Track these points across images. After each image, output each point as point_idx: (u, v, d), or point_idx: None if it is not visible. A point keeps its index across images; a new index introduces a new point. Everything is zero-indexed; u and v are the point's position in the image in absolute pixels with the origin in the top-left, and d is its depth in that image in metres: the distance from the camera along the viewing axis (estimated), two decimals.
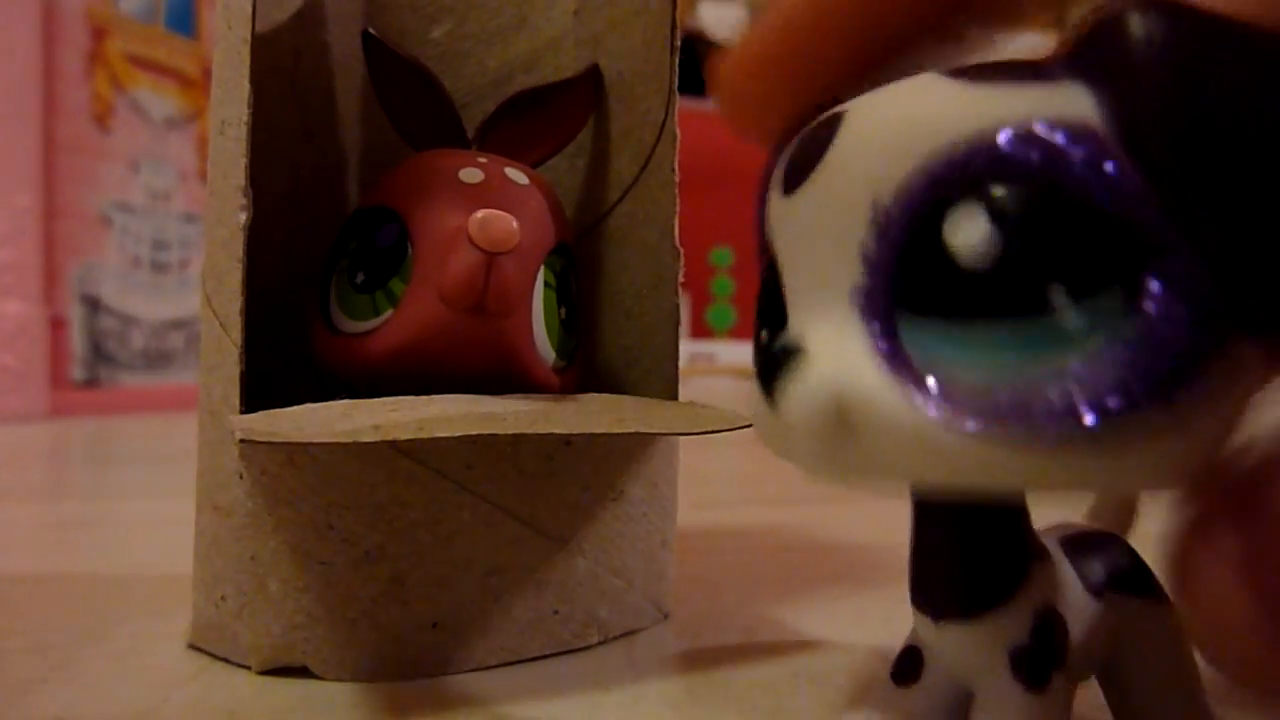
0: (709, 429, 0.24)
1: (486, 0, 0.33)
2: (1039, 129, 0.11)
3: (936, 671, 0.16)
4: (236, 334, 0.22)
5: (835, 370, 0.12)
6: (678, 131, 0.28)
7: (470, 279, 0.22)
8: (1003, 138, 0.11)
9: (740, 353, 1.93)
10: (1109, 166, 0.10)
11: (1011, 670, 0.14)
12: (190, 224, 1.42)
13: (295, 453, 0.22)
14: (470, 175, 0.25)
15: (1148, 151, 0.10)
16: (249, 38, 0.22)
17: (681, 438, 0.28)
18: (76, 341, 1.27)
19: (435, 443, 0.23)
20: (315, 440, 0.19)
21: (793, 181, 0.13)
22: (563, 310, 0.27)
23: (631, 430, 0.22)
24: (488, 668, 0.24)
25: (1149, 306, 0.10)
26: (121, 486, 0.61)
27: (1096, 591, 0.15)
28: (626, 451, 0.26)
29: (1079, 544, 0.16)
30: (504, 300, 0.23)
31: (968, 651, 0.14)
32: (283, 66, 0.29)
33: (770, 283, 0.14)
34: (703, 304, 2.04)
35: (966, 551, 0.14)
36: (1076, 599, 0.15)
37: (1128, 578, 0.16)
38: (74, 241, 1.26)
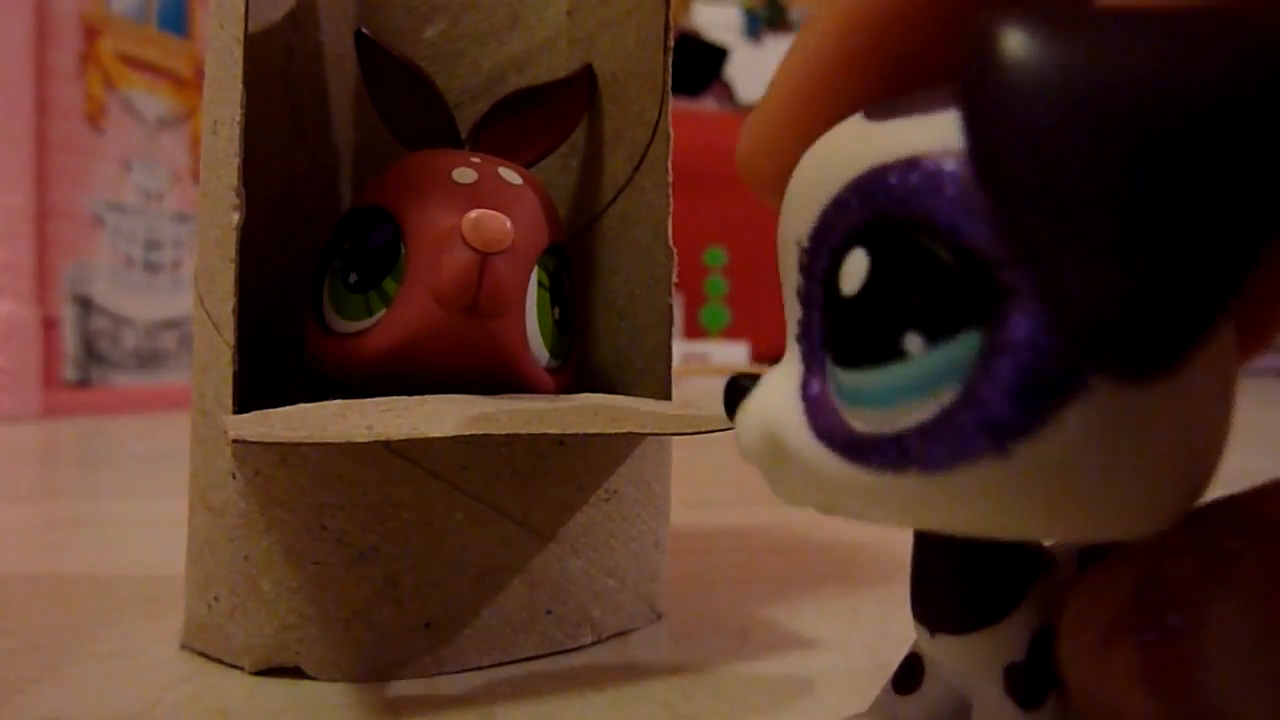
0: (702, 429, 0.24)
1: (480, 0, 0.33)
2: (899, 166, 0.11)
3: (936, 681, 0.15)
4: (229, 334, 0.22)
5: (767, 407, 0.12)
6: (671, 132, 0.28)
7: (464, 279, 0.22)
8: (873, 176, 0.11)
9: (733, 353, 1.93)
10: (965, 200, 0.10)
11: (1005, 688, 0.13)
12: (183, 224, 1.42)
13: (288, 453, 0.22)
14: (463, 175, 0.25)
15: (997, 177, 0.10)
16: (242, 37, 0.22)
17: (674, 438, 0.28)
18: (69, 341, 1.26)
19: (428, 443, 0.23)
20: (309, 441, 0.19)
21: (778, 224, 0.14)
22: (556, 310, 0.27)
23: (625, 430, 0.22)
24: (481, 668, 0.24)
25: (996, 353, 0.10)
26: (114, 486, 0.61)
27: None
28: (620, 451, 0.26)
29: (1095, 556, 0.16)
30: (497, 300, 0.23)
31: (962, 665, 0.14)
32: (276, 66, 0.29)
33: None
34: (696, 304, 2.04)
35: (964, 565, 0.14)
36: None
37: None
38: (66, 241, 1.25)
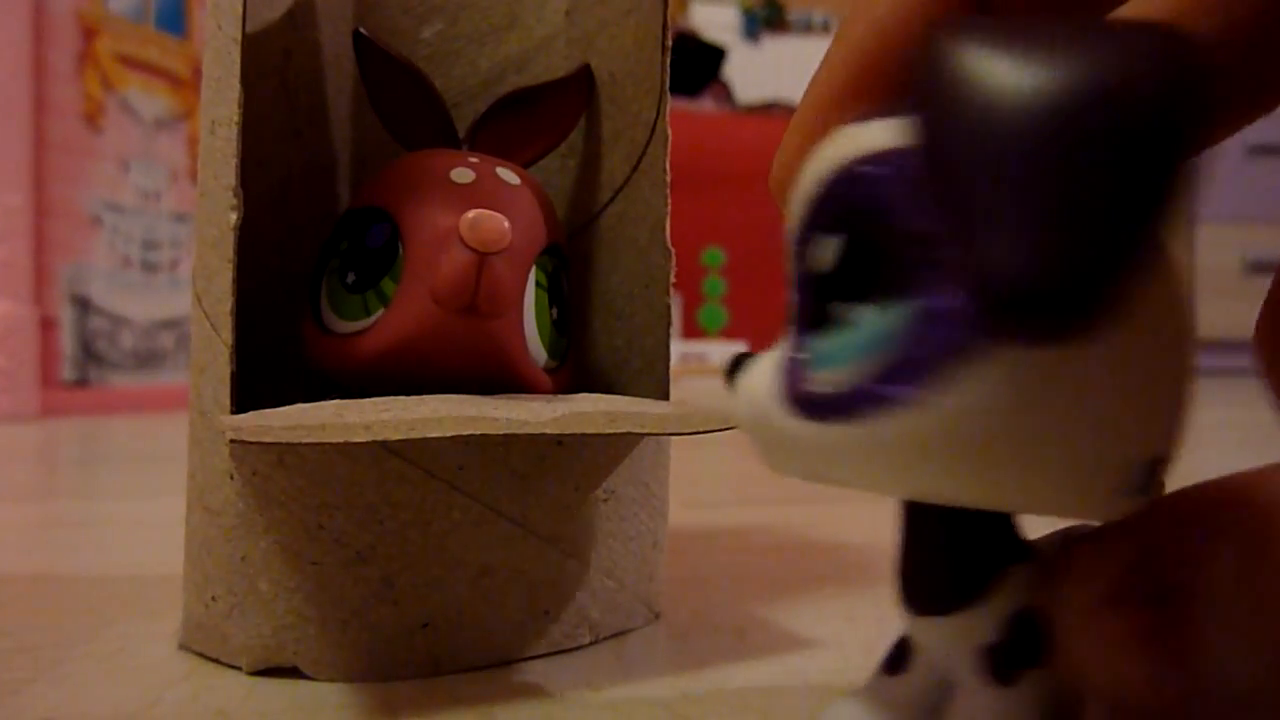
0: (700, 429, 0.24)
1: (478, 0, 0.33)
2: (862, 162, 0.12)
3: (922, 663, 0.16)
4: (227, 334, 0.22)
5: (754, 379, 0.14)
6: (669, 132, 0.28)
7: (462, 279, 0.22)
8: (845, 171, 0.13)
9: (731, 353, 1.93)
10: (908, 190, 0.11)
11: (981, 666, 0.14)
12: (180, 224, 1.41)
13: (286, 453, 0.22)
14: (461, 175, 0.25)
15: (935, 169, 0.11)
16: (240, 37, 0.22)
17: (672, 438, 0.28)
18: (66, 341, 1.26)
19: (426, 443, 0.23)
20: (306, 441, 0.19)
21: None
22: (554, 310, 0.27)
23: (623, 430, 0.22)
24: (479, 668, 0.24)
25: (916, 321, 0.11)
26: (111, 487, 0.61)
27: None
28: (618, 452, 0.26)
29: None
30: (495, 301, 0.23)
31: (943, 644, 0.15)
32: (273, 66, 0.29)
33: None
34: (694, 304, 2.04)
35: (942, 549, 0.15)
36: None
37: None
38: (64, 241, 1.25)
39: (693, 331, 2.02)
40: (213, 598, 0.24)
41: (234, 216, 0.22)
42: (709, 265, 2.02)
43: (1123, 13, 0.13)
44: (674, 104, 0.28)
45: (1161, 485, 0.12)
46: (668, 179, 0.28)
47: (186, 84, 1.42)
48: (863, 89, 0.14)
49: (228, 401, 0.22)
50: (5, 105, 1.16)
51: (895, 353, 0.11)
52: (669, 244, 0.28)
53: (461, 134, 0.28)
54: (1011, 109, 0.10)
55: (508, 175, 0.26)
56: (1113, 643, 0.12)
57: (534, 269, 0.26)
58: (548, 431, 0.21)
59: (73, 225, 1.26)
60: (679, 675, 0.23)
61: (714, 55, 2.47)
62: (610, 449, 0.26)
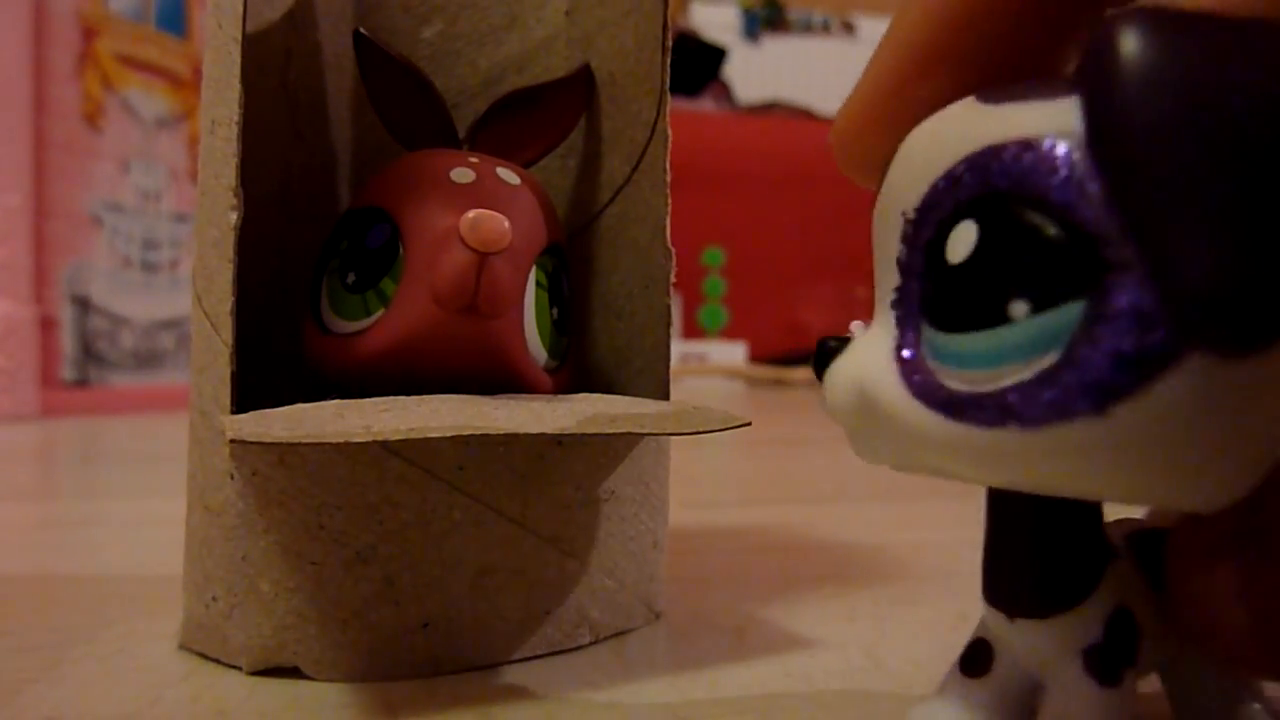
0: (701, 429, 0.24)
1: (478, 0, 0.33)
2: (1014, 146, 0.11)
3: (1007, 664, 0.16)
4: (227, 334, 0.22)
5: (860, 367, 0.13)
6: (670, 132, 0.28)
7: (462, 279, 0.22)
8: (987, 155, 0.12)
9: (732, 353, 1.93)
10: (1078, 180, 0.11)
11: (1085, 667, 0.14)
12: (181, 224, 1.41)
13: (286, 453, 0.22)
14: (461, 175, 0.25)
15: (1112, 160, 0.10)
16: (240, 37, 0.22)
17: (672, 438, 0.28)
18: (66, 341, 1.26)
19: (426, 443, 0.23)
20: (307, 441, 0.19)
21: (875, 198, 0.14)
22: (554, 311, 0.27)
23: (623, 430, 0.23)
24: (479, 668, 0.24)
25: (1099, 322, 0.10)
26: (111, 486, 0.61)
27: (1162, 590, 0.15)
28: (618, 451, 0.26)
29: (1145, 541, 0.16)
30: (495, 301, 0.23)
31: (1041, 647, 0.15)
32: (274, 66, 0.29)
33: None
34: (695, 304, 2.04)
35: (1043, 551, 0.14)
36: (1145, 597, 0.15)
37: None
38: (64, 241, 1.25)
39: (693, 331, 2.03)
40: (213, 598, 0.24)
41: (234, 216, 0.22)
42: (709, 265, 2.03)
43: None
44: (674, 104, 0.28)
45: None
46: (668, 179, 0.28)
47: (187, 84, 1.42)
48: (951, 50, 0.13)
49: (228, 401, 0.22)
50: (5, 105, 1.16)
51: (1068, 358, 0.11)
52: (669, 244, 0.28)
53: (462, 134, 0.28)
54: (1212, 102, 0.09)
55: (508, 175, 0.26)
56: (1217, 590, 0.12)
57: (534, 269, 0.26)
58: (548, 431, 0.21)
59: (73, 225, 1.26)
60: (679, 675, 0.23)
61: (714, 55, 2.47)
62: (610, 449, 0.26)
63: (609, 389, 0.30)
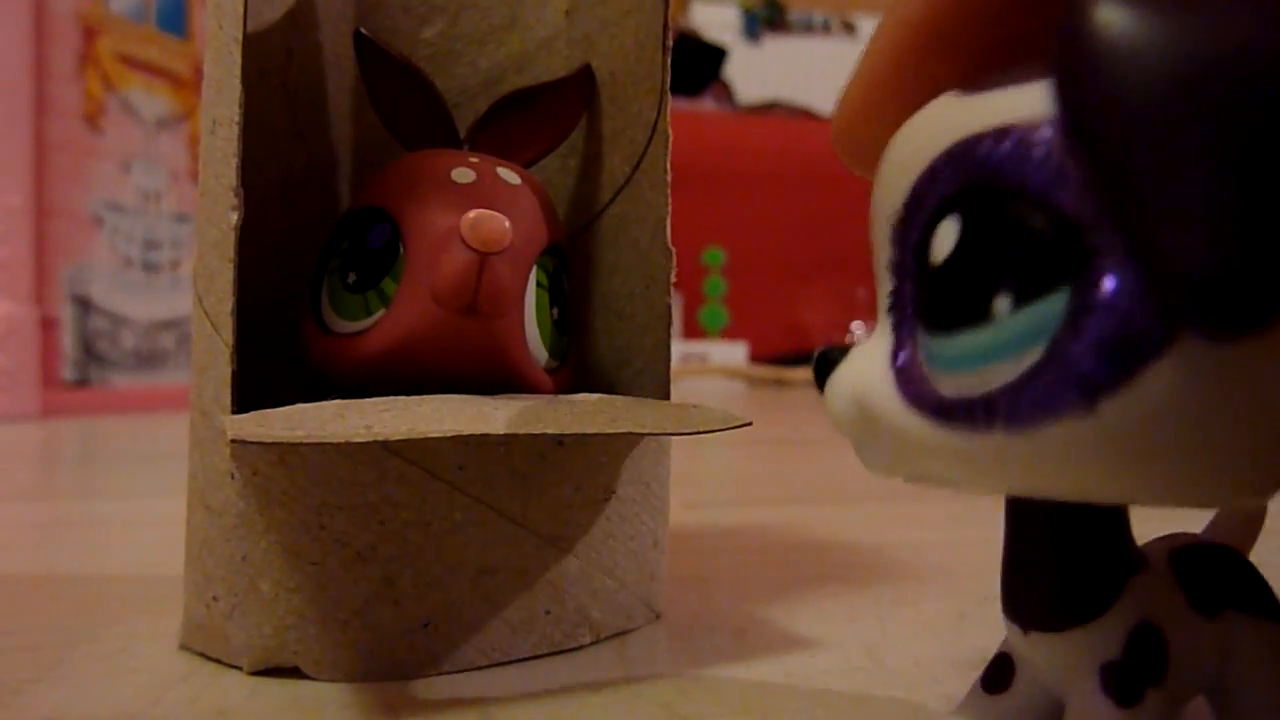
0: (701, 429, 0.24)
1: (478, 0, 0.33)
2: (990, 136, 0.11)
3: (1027, 680, 0.15)
4: (228, 334, 0.22)
5: (858, 377, 0.13)
6: (670, 132, 0.28)
7: (462, 279, 0.22)
8: (964, 147, 0.11)
9: (732, 353, 1.93)
10: (1055, 165, 0.10)
11: (1102, 686, 0.13)
12: (182, 224, 1.41)
13: (287, 453, 0.22)
14: (462, 175, 0.25)
15: (1087, 141, 0.10)
16: (240, 37, 0.22)
17: (673, 438, 0.28)
18: (67, 341, 1.26)
19: (427, 443, 0.23)
20: (307, 441, 0.19)
21: (871, 198, 0.14)
22: (555, 310, 0.27)
23: (624, 430, 0.23)
24: (479, 668, 0.24)
25: (1083, 312, 0.10)
26: (112, 486, 0.61)
27: (1205, 608, 0.15)
28: (618, 451, 0.26)
29: (1189, 558, 0.15)
30: (496, 301, 0.23)
31: (1057, 663, 0.14)
32: (274, 66, 0.29)
33: None
34: (695, 304, 2.04)
35: (1059, 563, 0.14)
36: (1181, 615, 0.15)
37: (1242, 595, 0.15)
38: (65, 241, 1.25)
39: (693, 331, 2.02)
40: (213, 598, 0.24)
41: (234, 216, 0.22)
42: (709, 265, 2.02)
43: None
44: (675, 104, 0.28)
45: None
46: (669, 179, 0.28)
47: (188, 84, 1.42)
48: (947, 37, 0.13)
49: (228, 401, 0.22)
50: (6, 105, 1.16)
51: (1052, 353, 0.10)
52: (670, 244, 0.28)
53: (462, 134, 0.29)
54: (1192, 77, 0.09)
55: (508, 175, 0.26)
56: None
57: (535, 269, 0.26)
58: (548, 431, 0.21)
59: (73, 225, 1.26)
60: (679, 675, 0.23)
61: (715, 55, 2.47)
62: (611, 449, 0.26)
63: (609, 389, 0.30)
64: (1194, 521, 0.18)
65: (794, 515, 0.47)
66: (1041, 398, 0.10)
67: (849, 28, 2.76)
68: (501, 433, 0.20)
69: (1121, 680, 0.13)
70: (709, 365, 1.87)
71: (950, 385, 0.11)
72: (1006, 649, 0.16)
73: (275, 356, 0.27)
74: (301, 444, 0.21)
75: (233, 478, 0.23)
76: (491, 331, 0.24)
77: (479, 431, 0.20)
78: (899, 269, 0.12)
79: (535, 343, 0.26)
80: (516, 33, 0.33)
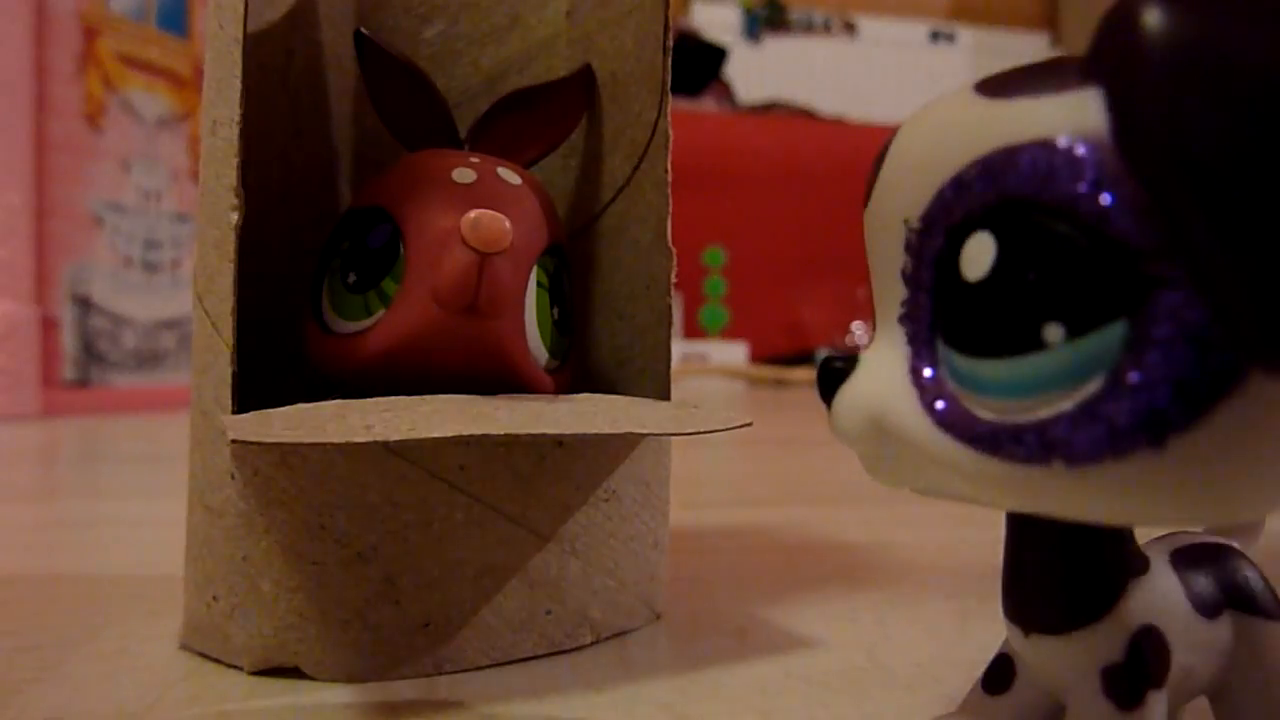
0: (702, 429, 0.24)
1: (479, 1, 0.33)
2: (1029, 148, 0.10)
3: (1027, 682, 0.15)
4: (228, 334, 0.22)
5: (873, 388, 0.12)
6: (671, 132, 0.28)
7: (463, 279, 0.22)
8: (999, 158, 0.10)
9: (732, 353, 1.93)
10: (1110, 185, 0.09)
11: (1103, 688, 0.13)
12: (182, 224, 1.41)
13: (288, 453, 0.22)
14: (463, 175, 0.25)
15: (1147, 160, 0.09)
16: (241, 37, 0.22)
17: (673, 439, 0.28)
18: (68, 341, 1.26)
19: (428, 443, 0.23)
20: (308, 441, 0.19)
21: (865, 197, 0.13)
22: (555, 310, 0.27)
23: (625, 430, 0.23)
24: (480, 668, 0.24)
25: (1147, 346, 0.09)
26: (112, 486, 0.61)
27: (1206, 609, 0.15)
28: (619, 452, 0.26)
29: (1191, 557, 0.15)
30: (496, 301, 0.23)
31: (1058, 666, 0.14)
32: (275, 66, 0.29)
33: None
34: (695, 304, 2.04)
35: (1059, 565, 0.14)
36: (1182, 616, 0.14)
37: (1243, 595, 0.15)
38: (65, 241, 1.25)
39: (693, 331, 2.02)
40: (214, 597, 0.24)
41: (235, 216, 0.22)
42: (709, 265, 2.02)
43: None
44: (675, 104, 0.28)
45: None
46: (669, 179, 0.28)
47: (188, 84, 1.42)
48: None
49: (229, 401, 0.22)
50: (6, 105, 1.16)
51: (1114, 387, 0.09)
52: (670, 244, 0.28)
53: (463, 134, 0.28)
54: (1262, 84, 0.08)
55: (509, 175, 0.26)
56: None
57: (535, 269, 0.26)
58: (550, 432, 0.21)
59: (74, 225, 1.26)
60: (679, 675, 0.23)
61: (715, 55, 2.47)
62: (611, 449, 0.26)
63: (610, 389, 0.30)
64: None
65: (794, 515, 0.47)
66: (1106, 434, 0.10)
67: (849, 28, 2.76)
68: (503, 433, 0.20)
69: (1123, 683, 0.13)
70: (709, 365, 1.87)
71: (987, 409, 0.11)
72: (1007, 650, 0.16)
73: (275, 356, 0.27)
74: (302, 444, 0.21)
75: (233, 478, 0.23)
76: (492, 331, 0.24)
77: (481, 432, 0.20)
78: (914, 279, 0.12)
79: (535, 342, 0.26)
80: (517, 33, 0.33)
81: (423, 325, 0.23)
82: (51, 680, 0.23)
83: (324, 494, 0.22)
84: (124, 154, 1.33)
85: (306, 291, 0.27)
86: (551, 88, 0.30)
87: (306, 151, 0.30)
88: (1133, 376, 0.09)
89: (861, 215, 0.13)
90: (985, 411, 0.11)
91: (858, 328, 1.99)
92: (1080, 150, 0.10)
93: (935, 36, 2.77)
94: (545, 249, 0.26)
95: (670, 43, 0.28)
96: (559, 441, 0.25)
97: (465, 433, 0.20)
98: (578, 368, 0.30)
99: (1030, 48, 2.75)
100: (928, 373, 0.12)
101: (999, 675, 0.16)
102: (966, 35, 2.81)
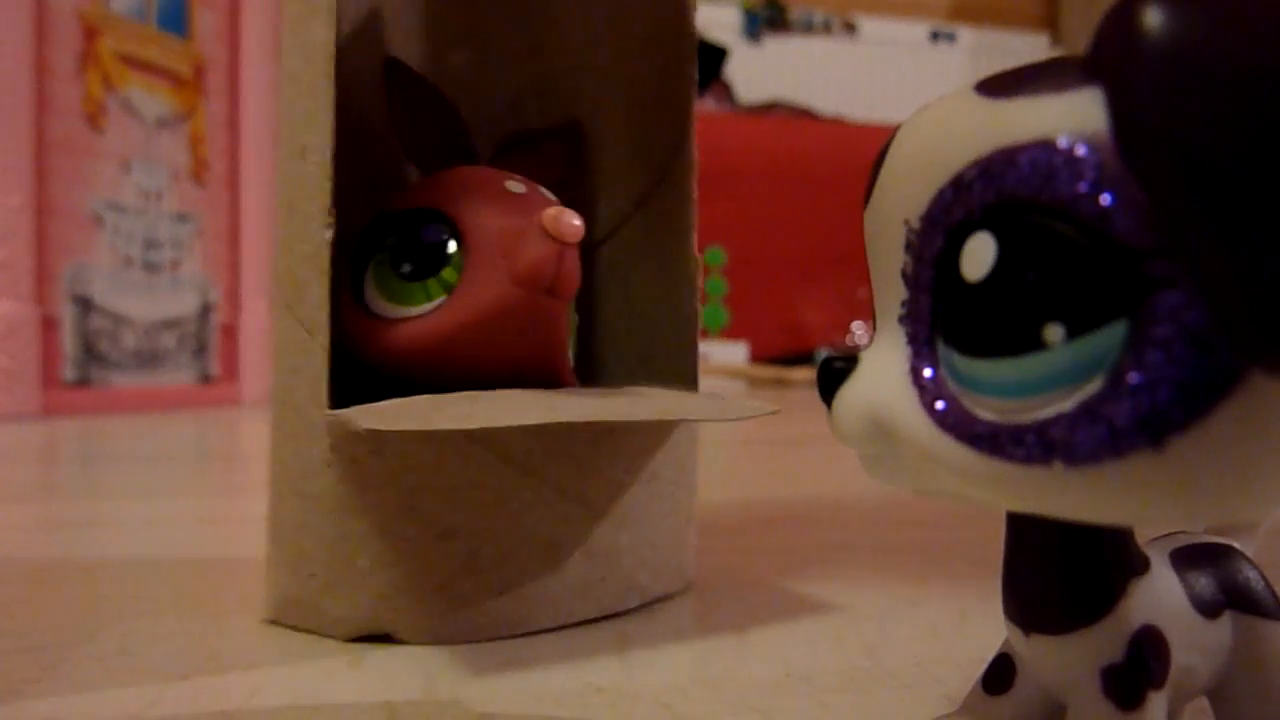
0: (739, 416, 0.27)
1: (502, 27, 0.35)
2: (1029, 148, 0.10)
3: (1028, 682, 0.15)
4: (324, 338, 0.25)
5: (873, 387, 0.12)
6: (696, 155, 0.31)
7: (546, 264, 0.25)
8: (999, 159, 0.10)
9: (733, 353, 1.93)
10: (1110, 185, 0.10)
11: (1103, 689, 0.13)
12: (182, 224, 1.42)
13: (381, 443, 0.25)
14: (514, 186, 0.28)
15: (1147, 160, 0.09)
16: (331, 75, 0.25)
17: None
18: (68, 341, 1.26)
19: (500, 431, 0.25)
20: (420, 428, 0.22)
21: (865, 197, 0.13)
22: (575, 316, 0.30)
23: (675, 418, 0.26)
24: (548, 630, 0.27)
25: (1147, 346, 0.09)
26: (112, 486, 0.61)
27: (1206, 609, 0.15)
28: (659, 438, 0.29)
29: (1191, 557, 0.15)
30: (569, 285, 0.26)
31: (1058, 666, 0.14)
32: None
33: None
34: None
35: (1060, 565, 0.14)
36: (1182, 617, 0.14)
37: (1244, 595, 0.15)
38: (65, 241, 1.25)
39: None
40: (310, 574, 0.26)
41: (329, 234, 0.25)
42: (709, 265, 2.03)
43: None
44: None
45: None
46: (695, 195, 0.31)
47: (188, 84, 1.42)
48: None
49: (324, 397, 0.25)
50: (6, 105, 1.16)
51: (1114, 388, 0.09)
52: (695, 253, 0.31)
53: (484, 159, 0.31)
54: (1263, 84, 0.08)
55: (546, 192, 0.29)
56: None
57: None
58: (612, 419, 0.24)
59: (74, 225, 1.26)
60: (680, 674, 0.23)
61: (715, 55, 2.47)
62: (654, 435, 0.29)
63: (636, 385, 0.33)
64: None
65: (793, 515, 0.47)
66: (1106, 434, 0.10)
67: (850, 28, 2.75)
68: (577, 420, 0.23)
69: (1123, 683, 0.13)
70: (709, 365, 1.87)
71: (988, 409, 0.11)
72: (1007, 650, 0.16)
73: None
74: (393, 432, 0.23)
75: (330, 466, 0.25)
76: (559, 313, 0.27)
77: (561, 420, 0.23)
78: (914, 279, 0.12)
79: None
80: (537, 62, 0.35)
81: (501, 302, 0.26)
82: (52, 680, 0.23)
83: (413, 478, 0.25)
84: (124, 154, 1.33)
85: (345, 281, 0.28)
86: (546, 134, 0.33)
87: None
88: (1133, 377, 0.09)
89: (861, 215, 0.13)
90: (985, 412, 0.11)
91: (858, 328, 1.99)
92: (1080, 150, 0.10)
93: (935, 36, 2.76)
94: None
95: (695, 73, 0.31)
96: (611, 428, 0.28)
97: (549, 420, 0.22)
98: (600, 368, 0.33)
99: (1030, 48, 2.74)
100: (928, 373, 0.12)
101: (999, 675, 0.16)
102: (967, 35, 2.79)
